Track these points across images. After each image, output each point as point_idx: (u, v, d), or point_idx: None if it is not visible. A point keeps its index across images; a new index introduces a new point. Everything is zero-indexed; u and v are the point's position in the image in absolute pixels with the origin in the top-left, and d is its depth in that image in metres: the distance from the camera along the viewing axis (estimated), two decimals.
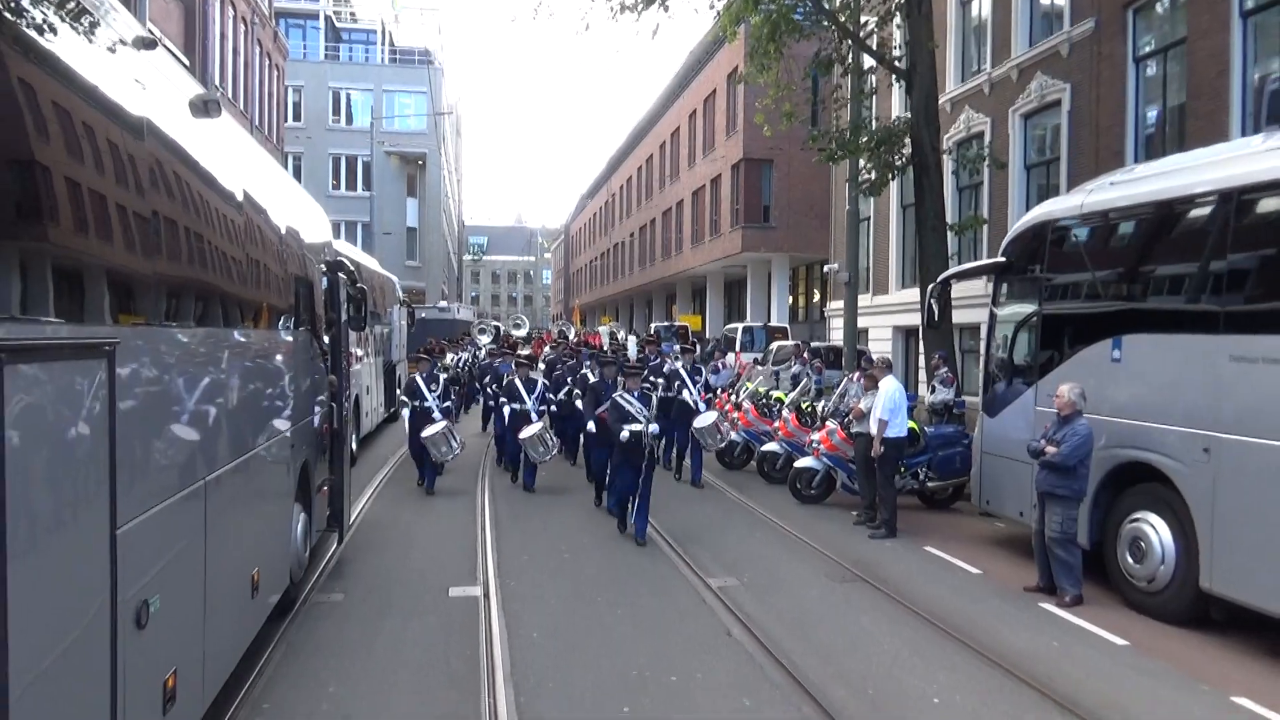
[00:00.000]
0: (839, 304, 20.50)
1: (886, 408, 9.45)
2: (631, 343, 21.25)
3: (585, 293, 72.66)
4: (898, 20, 16.15)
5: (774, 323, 32.27)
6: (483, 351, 23.14)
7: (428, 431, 11.12)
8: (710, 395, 12.89)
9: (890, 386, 9.58)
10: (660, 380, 12.09)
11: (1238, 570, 6.12)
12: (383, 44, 47.32)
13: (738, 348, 28.26)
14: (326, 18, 45.45)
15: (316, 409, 7.36)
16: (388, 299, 19.53)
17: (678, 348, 14.19)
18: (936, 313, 9.93)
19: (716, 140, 37.39)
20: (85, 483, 2.80)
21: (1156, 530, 6.82)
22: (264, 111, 33.30)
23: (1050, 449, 7.12)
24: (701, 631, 6.46)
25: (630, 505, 9.14)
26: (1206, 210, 6.60)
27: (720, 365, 18.85)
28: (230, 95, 27.66)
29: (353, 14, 48.94)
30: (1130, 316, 7.16)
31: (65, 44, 2.80)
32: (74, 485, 2.74)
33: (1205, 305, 6.48)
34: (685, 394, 12.06)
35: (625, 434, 8.94)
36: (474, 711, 5.01)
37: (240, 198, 4.92)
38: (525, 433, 11.24)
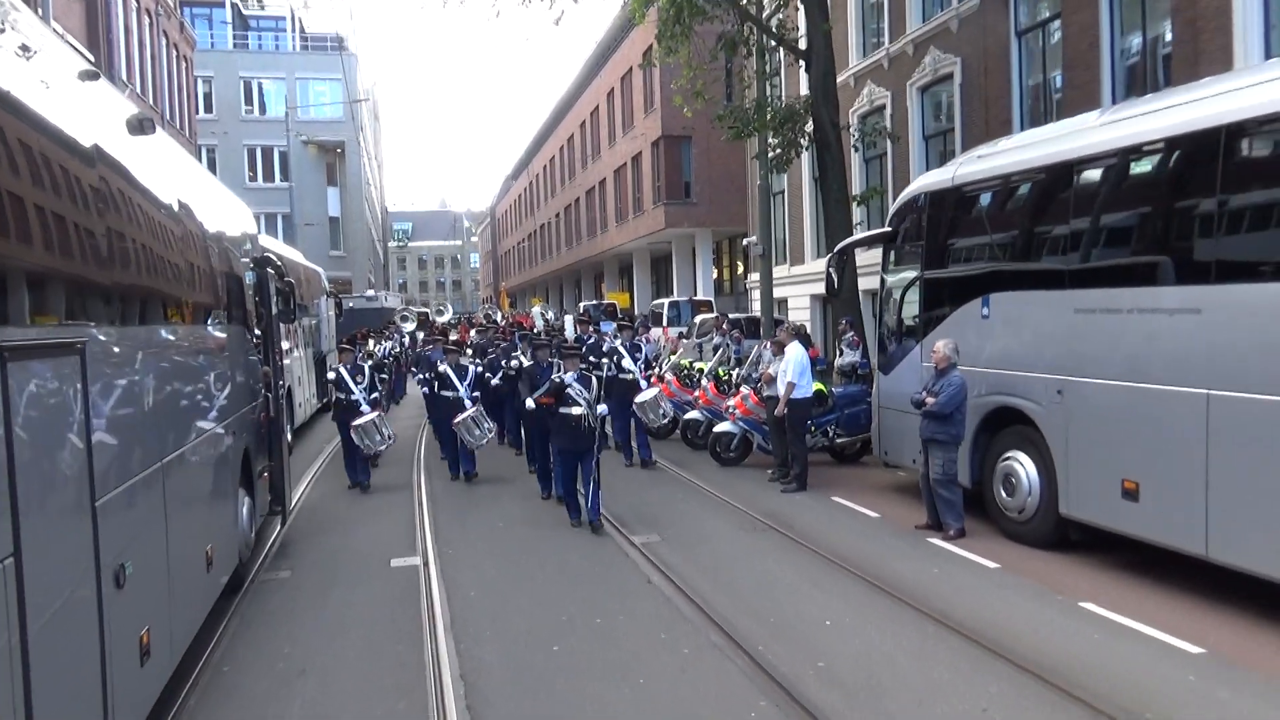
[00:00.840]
0: (758, 276, 21.35)
1: (796, 371, 10.21)
2: (569, 322, 20.98)
3: (514, 275, 72.66)
4: (796, 2, 16.85)
5: (699, 297, 33.08)
6: (407, 339, 23.33)
7: (357, 421, 10.79)
8: (649, 372, 12.75)
9: (795, 352, 10.33)
10: (603, 360, 11.93)
11: (1086, 495, 7.01)
12: (293, 31, 46.52)
13: (664, 323, 28.98)
14: (233, 5, 44.49)
15: (253, 399, 7.79)
16: (314, 290, 19.69)
17: (614, 326, 14.25)
18: (836, 281, 10.69)
19: (635, 118, 37.89)
20: (69, 460, 3.29)
21: (1024, 466, 7.69)
22: (174, 104, 32.65)
23: (929, 400, 7.93)
24: (625, 581, 7.12)
25: (583, 491, 8.89)
26: (1050, 180, 7.44)
27: (645, 340, 19.48)
28: (139, 90, 27.15)
29: (260, 1, 47.93)
30: (994, 277, 7.99)
31: (14, 79, 3.22)
32: (61, 462, 3.23)
33: (1053, 265, 7.33)
34: (625, 373, 11.92)
35: (566, 413, 8.66)
36: (418, 659, 5.58)
37: (175, 207, 5.35)
38: (459, 417, 11.02)
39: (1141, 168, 6.73)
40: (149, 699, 4.22)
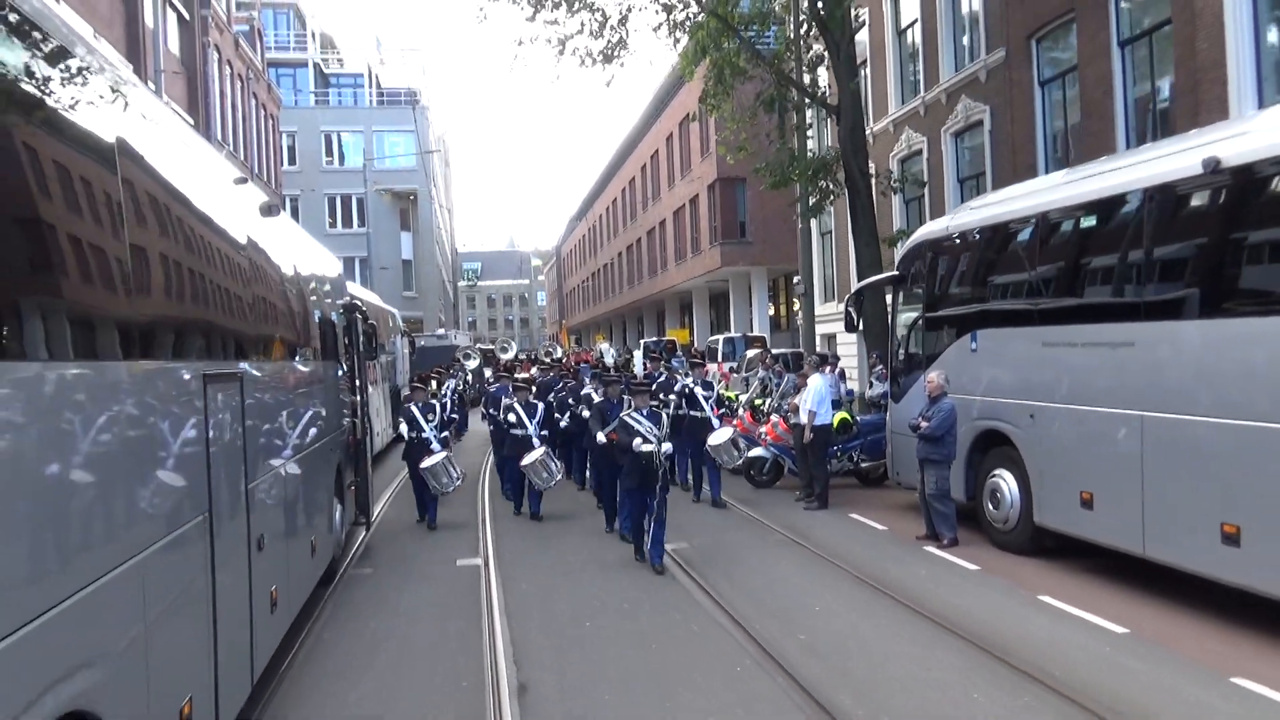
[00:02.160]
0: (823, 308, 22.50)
1: (814, 400, 11.35)
2: (637, 358, 21.19)
3: (579, 312, 74.68)
4: (827, 62, 18.15)
5: (754, 333, 34.23)
6: (471, 377, 24.41)
7: (427, 462, 10.77)
8: (724, 411, 12.58)
9: (817, 383, 11.49)
10: (671, 398, 11.81)
11: (1054, 505, 8.01)
12: (370, 87, 49.55)
13: (719, 358, 30.20)
14: (315, 65, 47.66)
15: (343, 424, 9.28)
16: (390, 330, 21.49)
17: (685, 362, 14.06)
18: (855, 318, 11.83)
19: (692, 161, 39.45)
20: (234, 452, 4.70)
21: (1007, 482, 8.71)
22: (262, 159, 35.35)
23: (924, 424, 9.02)
24: (651, 577, 8.33)
25: (646, 529, 8.72)
26: (1019, 231, 8.55)
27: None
28: (232, 148, 29.66)
29: (340, 59, 51.18)
30: (982, 316, 9.08)
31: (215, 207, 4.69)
32: (231, 452, 4.64)
33: (1026, 305, 8.40)
34: (697, 410, 11.76)
35: (636, 449, 8.55)
36: (477, 631, 6.89)
37: (291, 271, 6.86)
38: (527, 459, 10.78)
39: (1086, 222, 7.81)
40: (276, 638, 5.62)
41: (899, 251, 11.32)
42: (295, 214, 41.25)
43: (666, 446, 8.65)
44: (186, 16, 26.31)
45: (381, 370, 18.57)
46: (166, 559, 3.59)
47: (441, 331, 40.56)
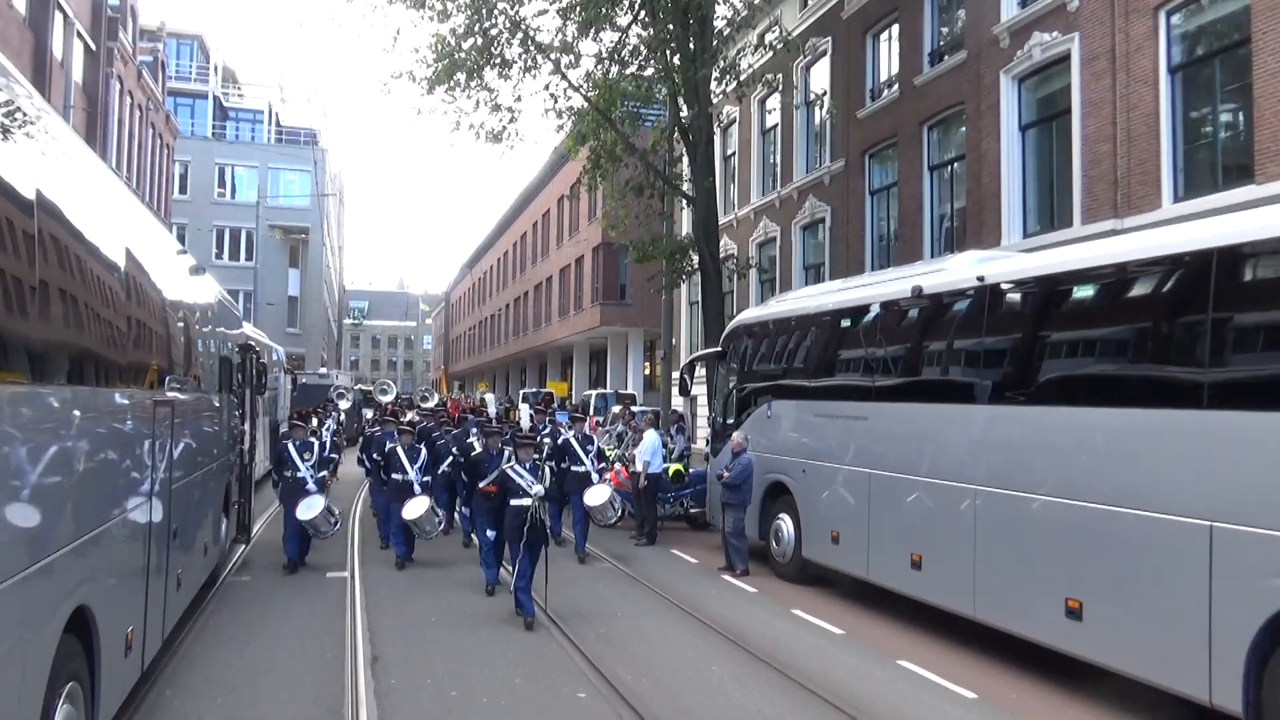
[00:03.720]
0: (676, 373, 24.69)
1: (649, 452, 13.34)
2: (524, 411, 21.23)
3: (465, 359, 75.62)
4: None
5: (626, 390, 36.38)
6: (343, 416, 24.75)
7: (305, 514, 10.41)
8: (604, 465, 12.66)
9: (651, 437, 13.50)
10: (546, 442, 11.90)
11: (815, 542, 10.17)
12: (269, 124, 50.19)
13: (592, 411, 32.16)
14: (215, 97, 48.10)
15: (234, 449, 10.70)
16: (272, 366, 22.53)
17: (568, 417, 14.64)
18: (688, 384, 13.96)
19: (580, 224, 41.71)
20: (166, 457, 6.27)
21: (786, 524, 10.84)
22: (154, 186, 35.73)
23: (725, 474, 11.10)
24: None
25: (520, 586, 8.60)
26: (796, 326, 10.85)
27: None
28: (125, 174, 30.18)
29: (240, 94, 51.69)
30: (775, 389, 11.29)
31: (156, 264, 6.30)
32: (165, 458, 6.21)
33: (800, 383, 10.64)
34: (578, 465, 11.99)
35: (512, 503, 8.62)
36: (341, 623, 8.44)
37: (209, 315, 8.44)
38: (411, 511, 10.52)
39: (840, 323, 10.08)
40: (179, 610, 7.11)
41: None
42: (181, 240, 41.27)
43: (538, 488, 8.55)
44: (93, 47, 27.03)
45: (264, 405, 19.68)
46: (123, 524, 5.18)
47: (324, 370, 41.15)
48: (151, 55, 35.97)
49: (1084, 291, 7.00)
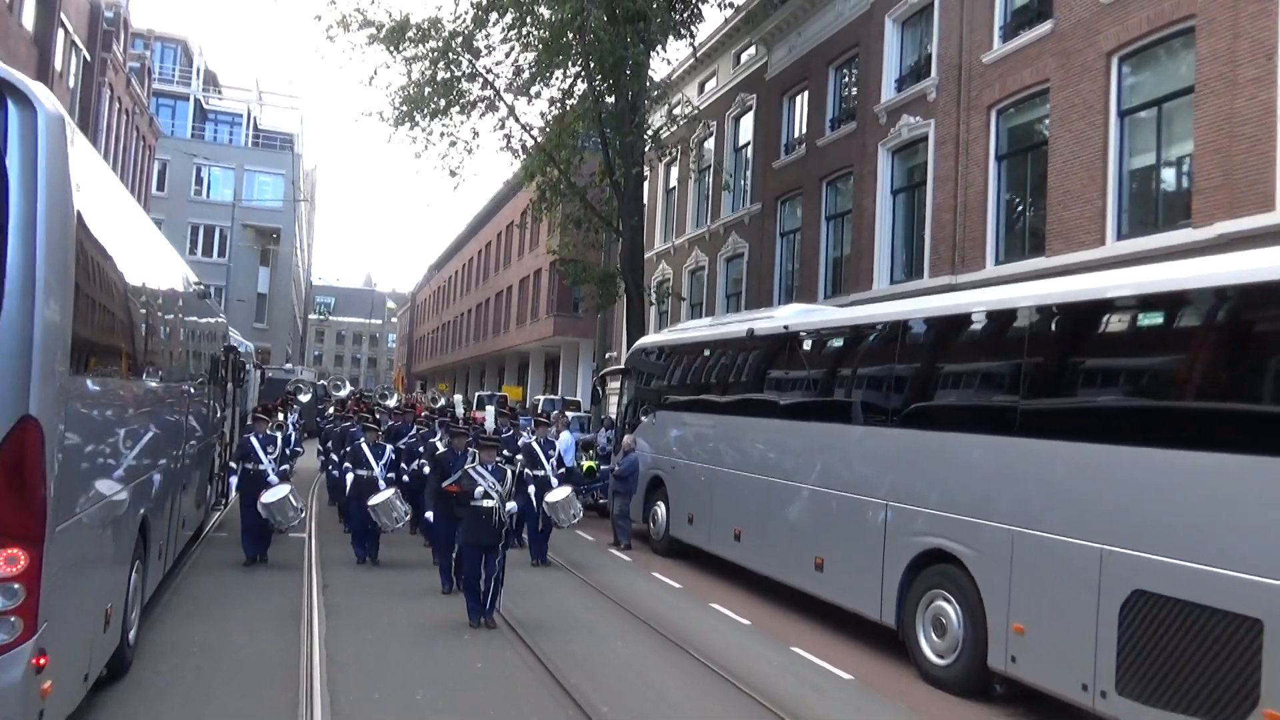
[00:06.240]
0: (615, 384, 27.47)
1: (562, 448, 16.04)
2: (489, 413, 21.85)
3: (427, 359, 77.81)
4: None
5: (573, 397, 39.05)
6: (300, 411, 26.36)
7: (270, 497, 10.46)
8: (564, 470, 13.04)
9: (565, 437, 16.22)
10: (518, 456, 12.03)
11: (680, 524, 12.92)
12: (247, 127, 52.30)
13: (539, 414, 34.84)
14: (196, 99, 50.16)
15: (219, 429, 13.28)
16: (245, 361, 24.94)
17: (531, 420, 15.03)
18: (601, 393, 16.72)
19: (540, 239, 44.33)
20: (186, 426, 8.87)
21: (660, 510, 13.60)
22: (134, 183, 37.82)
23: (616, 467, 13.86)
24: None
25: (484, 589, 8.80)
26: (677, 352, 13.64)
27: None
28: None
29: (220, 96, 53.72)
30: (658, 402, 14.06)
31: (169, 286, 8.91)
32: (187, 426, 8.81)
33: (677, 397, 13.42)
34: (538, 468, 12.17)
35: (476, 501, 8.61)
36: (301, 581, 11.03)
37: (212, 324, 11.06)
38: (375, 499, 10.72)
39: (704, 352, 12.88)
40: (182, 543, 9.71)
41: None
42: None
43: (511, 505, 8.72)
44: (89, 58, 29.25)
45: (239, 395, 22.12)
46: (163, 470, 7.81)
47: (289, 365, 43.36)
48: (139, 62, 38.13)
49: (835, 342, 9.97)
